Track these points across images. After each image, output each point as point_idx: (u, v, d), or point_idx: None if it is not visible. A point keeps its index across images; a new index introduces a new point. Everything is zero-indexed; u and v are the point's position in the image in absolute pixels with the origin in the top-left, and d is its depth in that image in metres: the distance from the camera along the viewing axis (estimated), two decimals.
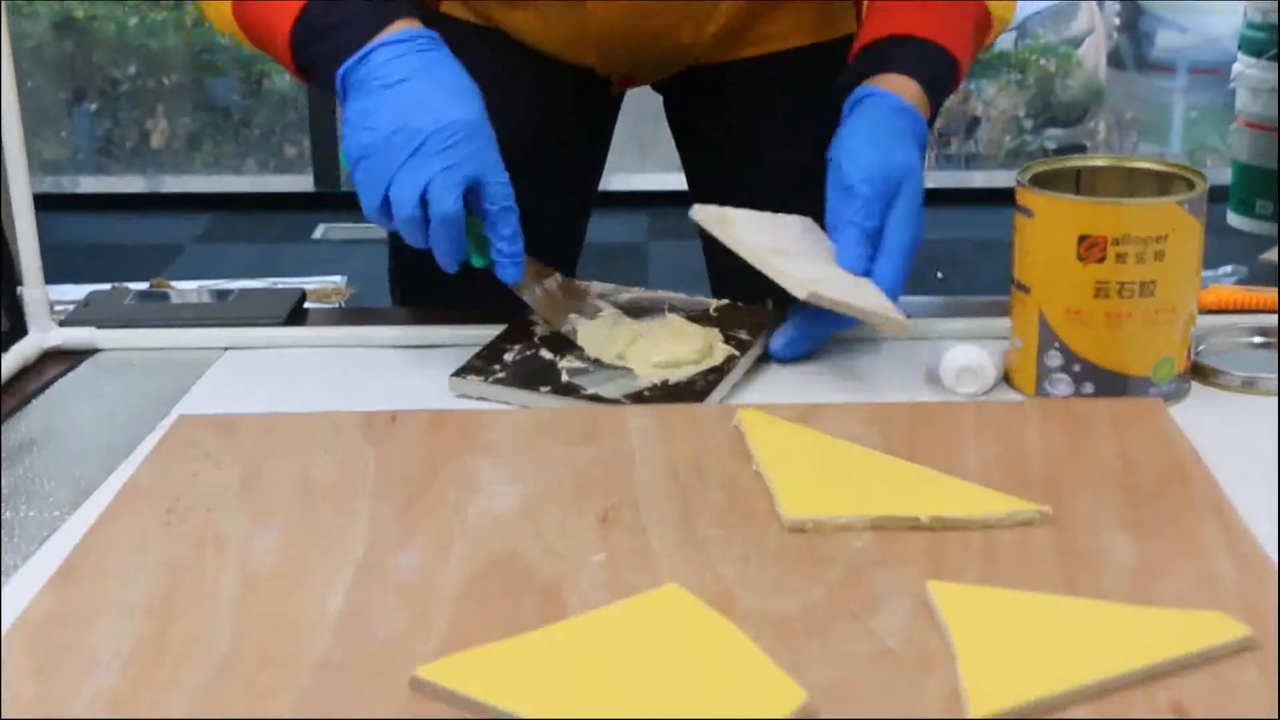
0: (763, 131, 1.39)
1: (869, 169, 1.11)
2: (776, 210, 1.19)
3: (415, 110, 1.06)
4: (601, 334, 1.14)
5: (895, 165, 1.12)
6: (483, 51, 1.35)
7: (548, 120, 1.38)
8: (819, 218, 1.18)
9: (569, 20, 1.10)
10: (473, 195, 1.07)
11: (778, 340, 1.15)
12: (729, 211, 1.17)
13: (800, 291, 1.06)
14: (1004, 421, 1.01)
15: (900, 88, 1.15)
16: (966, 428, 1.00)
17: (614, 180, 1.54)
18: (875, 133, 1.13)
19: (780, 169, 1.20)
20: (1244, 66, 4.12)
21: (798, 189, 1.19)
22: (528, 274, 1.13)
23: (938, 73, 1.17)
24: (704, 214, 1.16)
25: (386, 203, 1.07)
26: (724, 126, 1.42)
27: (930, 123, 1.18)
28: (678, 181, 1.48)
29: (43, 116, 5.03)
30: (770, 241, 1.14)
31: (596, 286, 1.22)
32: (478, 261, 1.11)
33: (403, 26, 1.10)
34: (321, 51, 1.11)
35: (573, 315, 1.16)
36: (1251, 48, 4.08)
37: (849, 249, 1.12)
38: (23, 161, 1.21)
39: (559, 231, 1.47)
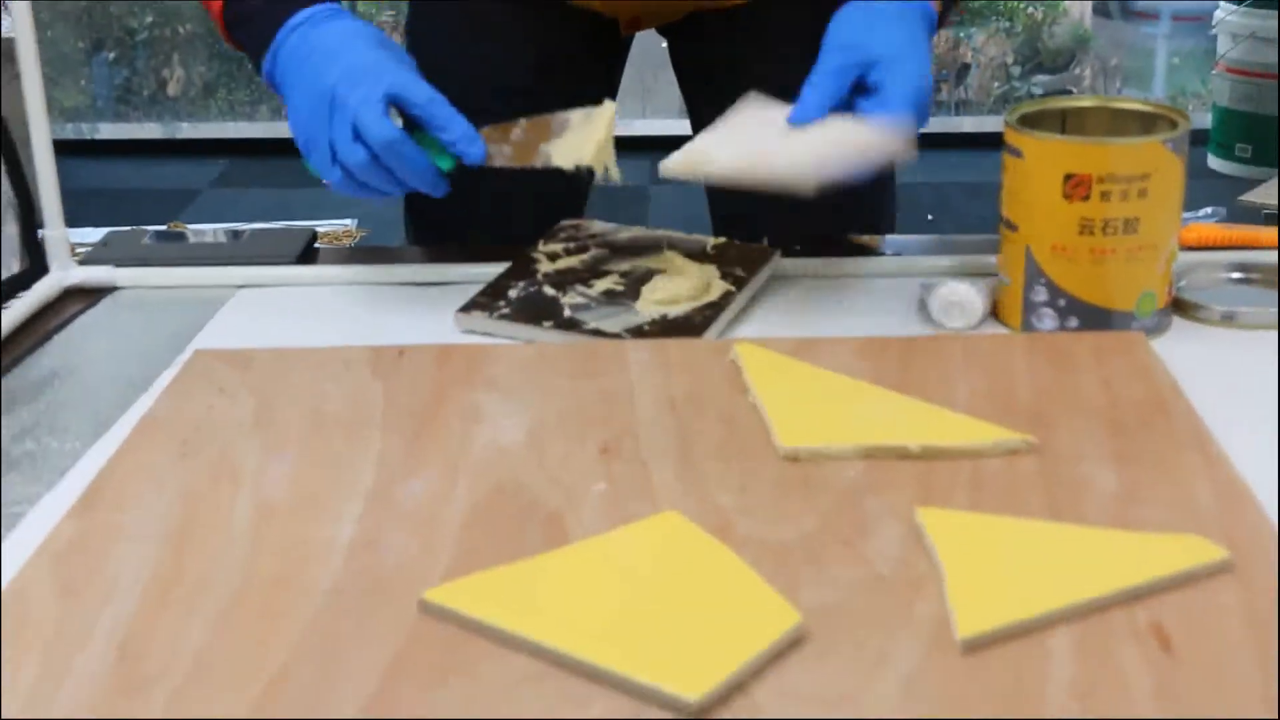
0: (768, 74, 1.37)
1: (854, 30, 1.07)
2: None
3: (321, 74, 1.05)
4: (572, 140, 1.12)
5: (881, 32, 1.07)
6: None
7: (557, 62, 1.37)
8: None
9: None
10: (403, 113, 1.06)
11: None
12: (691, 150, 1.10)
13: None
14: (991, 354, 1.00)
15: None
16: (955, 361, 0.99)
17: (617, 126, 1.53)
18: (873, 10, 1.09)
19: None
20: (1225, 14, 4.13)
21: None
22: (491, 143, 1.10)
23: None
24: (674, 167, 1.09)
25: (345, 170, 1.06)
26: (729, 69, 1.40)
27: (940, 23, 1.13)
28: (679, 127, 1.47)
29: (62, 65, 5.01)
30: (747, 144, 1.09)
31: (560, 117, 1.15)
32: (445, 164, 1.08)
33: (301, 9, 1.09)
34: (248, 46, 1.10)
35: (541, 146, 1.13)
36: None
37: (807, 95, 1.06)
38: (43, 108, 1.21)
39: (567, 175, 1.46)
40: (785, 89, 1.14)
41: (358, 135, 1.03)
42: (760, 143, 1.07)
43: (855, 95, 1.06)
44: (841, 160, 1.04)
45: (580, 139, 1.11)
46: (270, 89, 1.10)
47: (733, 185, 1.07)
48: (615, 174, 1.11)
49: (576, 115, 1.13)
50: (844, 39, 1.06)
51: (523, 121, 1.12)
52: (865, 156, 1.05)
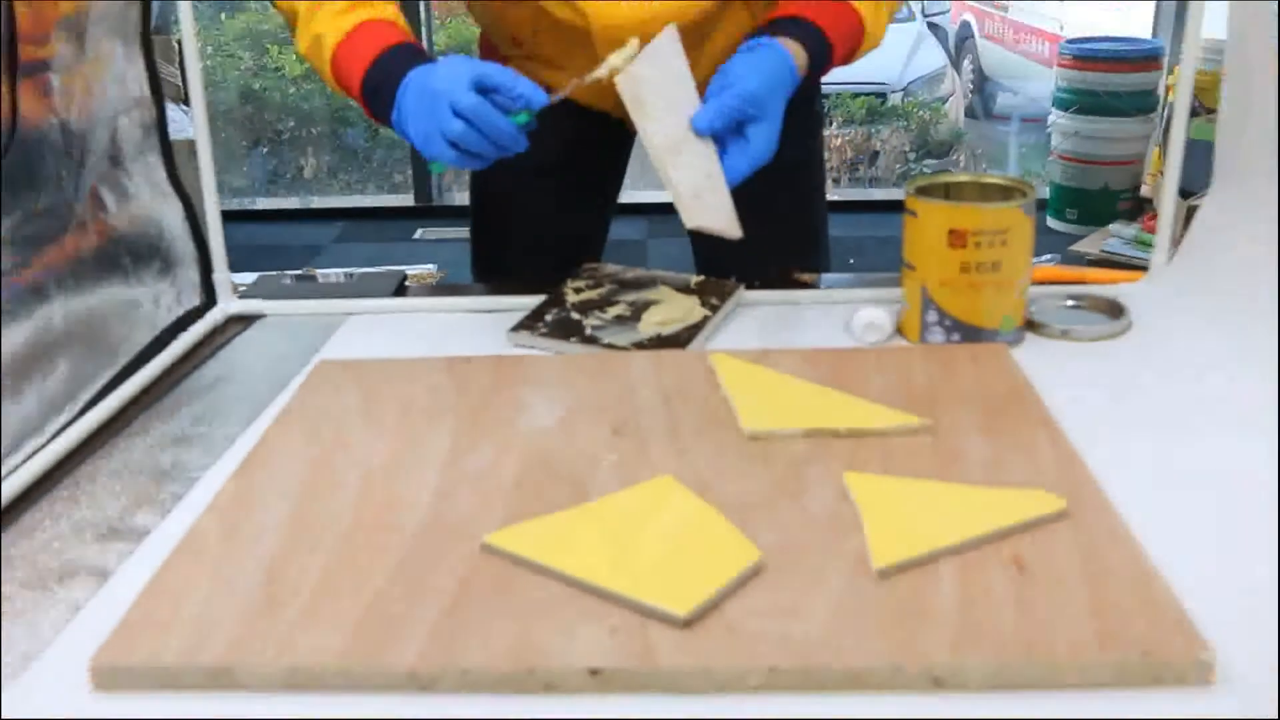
0: None
1: (754, 87, 1.00)
2: (761, 211, 1.09)
3: (423, 85, 1.00)
4: (601, 68, 1.01)
5: (769, 99, 1.01)
6: None
7: (579, 150, 1.36)
8: (799, 220, 1.09)
9: (594, 83, 1.06)
10: (486, 93, 0.98)
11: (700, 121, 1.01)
12: (634, 99, 0.98)
13: (689, 222, 1.00)
14: (897, 361, 0.99)
15: (793, 50, 1.06)
16: (871, 365, 0.98)
17: (623, 194, 1.52)
18: (769, 68, 1.03)
19: (759, 175, 1.13)
20: (1056, 117, 4.17)
21: (776, 195, 1.13)
22: (551, 93, 0.99)
23: (819, 49, 1.08)
24: (621, 87, 0.98)
25: (454, 147, 0.98)
26: None
27: (803, 83, 1.08)
28: (669, 195, 1.45)
29: (231, 158, 5.05)
30: (671, 142, 1.00)
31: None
32: (522, 120, 0.99)
33: (411, 69, 1.03)
34: (381, 110, 1.06)
35: (575, 81, 1.01)
36: (1061, 104, 4.16)
37: (713, 108, 0.99)
38: (214, 188, 1.21)
39: (588, 231, 1.45)
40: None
41: (455, 113, 0.97)
42: (679, 156, 0.99)
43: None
44: (713, 221, 1.00)
45: (613, 63, 1.00)
46: (401, 135, 1.04)
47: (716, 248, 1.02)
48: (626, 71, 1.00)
49: (610, 57, 1.01)
50: (752, 92, 1.00)
51: (574, 81, 1.02)
52: (727, 226, 1.01)
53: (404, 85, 1.02)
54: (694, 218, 0.99)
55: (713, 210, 1.00)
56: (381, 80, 1.04)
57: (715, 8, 1.17)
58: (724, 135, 1.02)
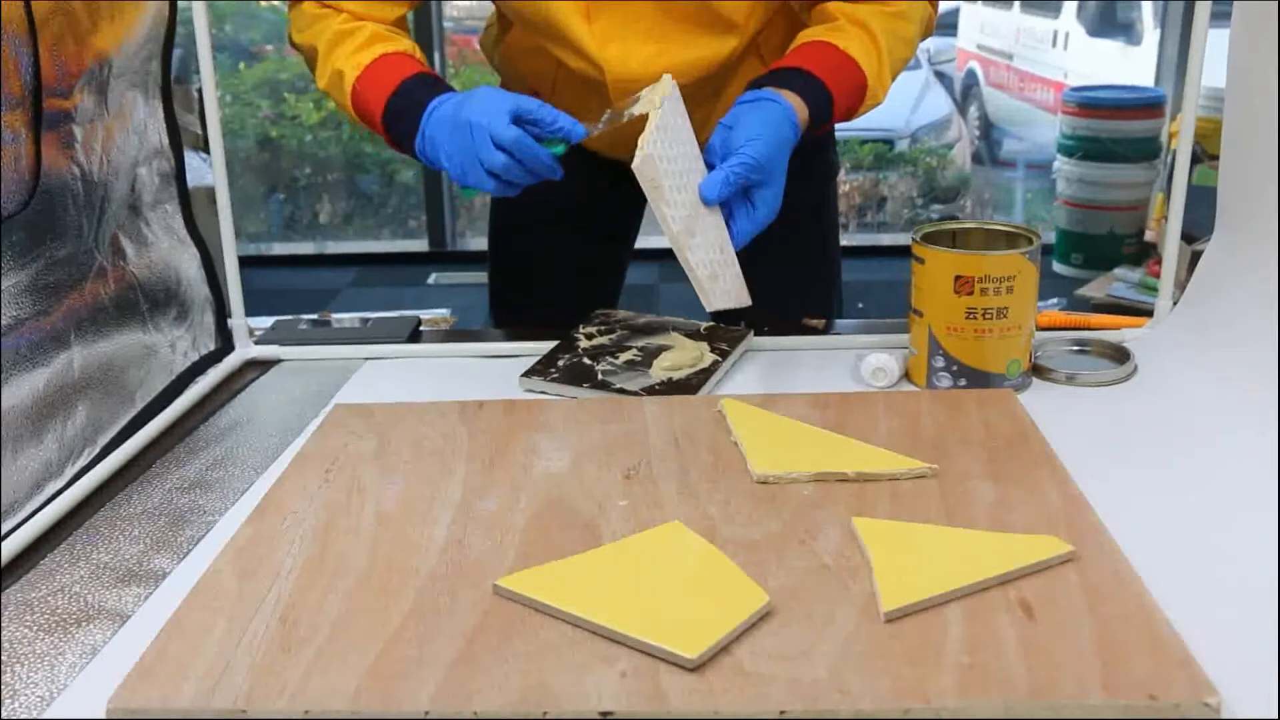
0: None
1: (760, 153, 1.00)
2: (765, 255, 1.09)
3: (458, 115, 1.00)
4: (637, 104, 1.00)
5: (774, 163, 1.01)
6: None
7: (596, 193, 1.37)
8: (813, 268, 1.06)
9: (610, 132, 1.07)
10: (522, 124, 0.98)
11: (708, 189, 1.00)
12: (655, 187, 0.96)
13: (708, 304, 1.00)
14: (904, 405, 0.99)
15: (795, 104, 1.06)
16: (879, 410, 0.98)
17: (640, 240, 1.53)
18: (774, 129, 1.02)
19: (776, 223, 1.13)
20: (1061, 163, 4.19)
21: (791, 242, 1.12)
22: (589, 126, 1.01)
23: (820, 105, 1.08)
24: (642, 171, 0.96)
25: (494, 176, 0.99)
26: None
27: (803, 137, 1.07)
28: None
29: (248, 203, 5.08)
30: (688, 224, 0.99)
31: (631, 97, 1.02)
32: (558, 150, 1.00)
33: (434, 97, 1.04)
34: (403, 137, 1.07)
35: (609, 112, 1.02)
36: (1066, 151, 4.17)
37: (721, 178, 0.98)
38: (231, 233, 1.22)
39: (607, 273, 1.46)
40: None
41: (495, 145, 0.98)
42: (694, 237, 0.99)
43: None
44: (727, 300, 1.01)
45: (649, 98, 1.00)
46: (425, 163, 1.05)
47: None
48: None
49: (643, 91, 1.02)
50: (758, 159, 0.99)
51: (608, 112, 1.02)
52: (741, 299, 1.02)
53: (429, 113, 1.04)
54: (714, 301, 1.00)
55: (729, 287, 1.02)
56: (404, 108, 1.06)
57: (728, 61, 1.18)
58: (729, 200, 1.02)
